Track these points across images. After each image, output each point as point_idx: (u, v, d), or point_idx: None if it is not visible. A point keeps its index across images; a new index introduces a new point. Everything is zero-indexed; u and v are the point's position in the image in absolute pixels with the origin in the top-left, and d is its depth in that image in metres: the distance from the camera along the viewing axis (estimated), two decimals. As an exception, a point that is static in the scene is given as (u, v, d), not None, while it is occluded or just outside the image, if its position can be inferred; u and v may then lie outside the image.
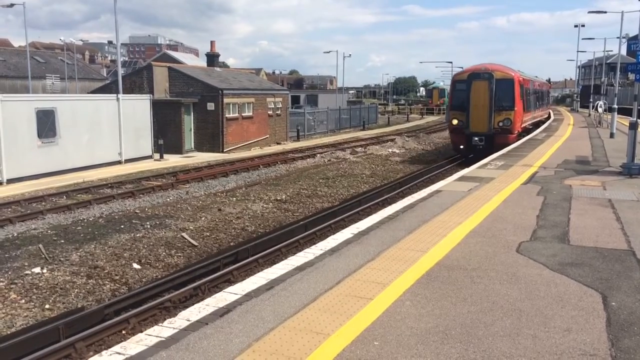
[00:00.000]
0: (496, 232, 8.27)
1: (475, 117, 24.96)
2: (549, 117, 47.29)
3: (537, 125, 36.08)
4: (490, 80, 24.77)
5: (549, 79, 77.88)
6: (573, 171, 15.21)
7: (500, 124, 24.80)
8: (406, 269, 6.57)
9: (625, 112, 44.44)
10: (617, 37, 35.53)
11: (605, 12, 39.93)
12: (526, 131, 29.47)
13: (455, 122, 25.82)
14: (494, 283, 6.14)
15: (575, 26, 59.75)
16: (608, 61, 64.95)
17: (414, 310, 5.39)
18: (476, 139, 24.97)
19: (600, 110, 40.88)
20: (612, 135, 27.57)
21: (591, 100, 54.36)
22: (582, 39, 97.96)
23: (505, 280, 6.24)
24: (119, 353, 4.46)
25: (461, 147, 25.83)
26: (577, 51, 66.90)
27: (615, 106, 30.18)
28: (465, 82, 25.52)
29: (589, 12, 42.55)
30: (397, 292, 5.83)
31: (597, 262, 6.96)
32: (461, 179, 13.57)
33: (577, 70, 78.94)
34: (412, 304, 5.55)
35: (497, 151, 20.49)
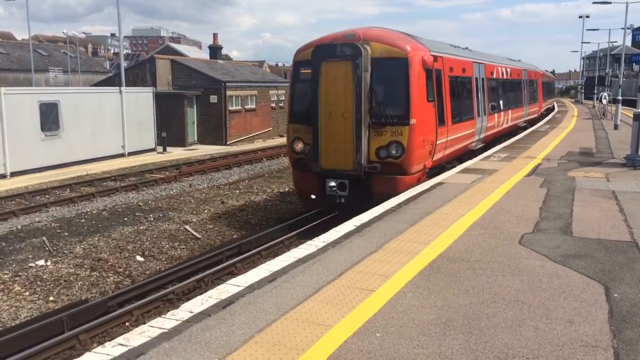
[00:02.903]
0: (499, 224, 8.26)
1: (330, 138, 12.07)
2: (541, 116, 35.69)
3: (510, 134, 23.63)
4: (356, 59, 11.59)
5: (554, 71, 77.60)
6: (577, 163, 15.15)
7: (383, 153, 12.00)
8: (408, 260, 6.57)
9: (629, 103, 44.23)
10: (622, 28, 35.30)
11: (610, 3, 39.53)
12: (462, 156, 16.36)
13: (298, 146, 12.83)
14: (497, 275, 6.13)
15: (580, 17, 59.54)
16: (612, 52, 64.55)
17: (416, 302, 5.40)
18: (332, 184, 12.31)
19: (604, 101, 40.67)
20: (616, 127, 27.42)
21: (595, 91, 54.15)
22: (587, 30, 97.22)
23: (508, 272, 6.24)
24: (122, 344, 4.48)
25: (312, 196, 12.94)
26: (582, 42, 66.54)
27: (620, 97, 30.00)
28: (310, 64, 12.25)
29: (594, 2, 42.07)
30: (400, 284, 5.83)
31: (599, 253, 6.95)
32: (464, 171, 13.53)
33: (582, 61, 78.65)
34: (414, 295, 5.55)
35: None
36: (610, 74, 57.88)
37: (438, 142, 13.21)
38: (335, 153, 12.00)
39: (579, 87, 76.05)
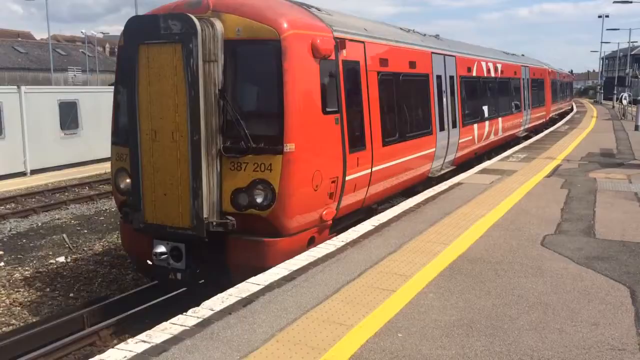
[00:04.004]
0: (520, 225, 8.17)
1: (157, 173, 7.31)
2: (552, 122, 31.35)
3: (505, 147, 19.33)
4: (189, 42, 6.89)
5: (572, 71, 76.64)
6: (597, 164, 14.96)
7: (242, 199, 7.24)
8: (428, 261, 6.52)
9: (650, 104, 43.54)
10: (643, 28, 34.68)
11: (631, 2, 38.99)
12: (412, 188, 11.61)
13: (125, 182, 7.97)
14: (519, 276, 6.06)
15: (599, 17, 58.77)
16: (633, 52, 63.73)
17: (437, 302, 5.35)
18: (162, 250, 7.43)
19: (624, 102, 40.15)
20: (637, 128, 27.04)
21: (615, 92, 53.46)
22: (606, 29, 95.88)
23: (530, 273, 6.16)
24: (145, 341, 4.50)
25: (148, 261, 7.73)
26: (601, 42, 66.06)
27: (641, 98, 29.58)
28: (127, 50, 7.51)
29: (614, 2, 41.40)
30: (420, 284, 5.79)
31: (624, 256, 6.84)
32: (483, 171, 13.42)
33: (601, 61, 77.65)
34: (435, 296, 5.50)
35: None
36: (630, 74, 57.02)
37: (350, 178, 8.32)
38: (165, 198, 7.24)
39: (598, 87, 75.14)
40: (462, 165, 14.37)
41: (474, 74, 15.82)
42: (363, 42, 9.15)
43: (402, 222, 8.38)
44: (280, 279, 5.96)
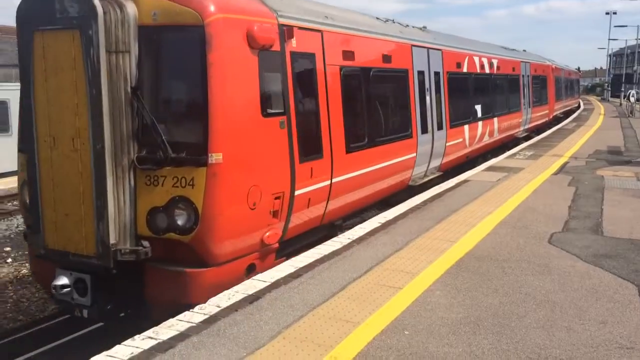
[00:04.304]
0: (527, 223, 8.13)
1: (57, 189, 6.06)
2: (555, 121, 29.64)
3: (502, 149, 18.27)
4: (89, 27, 5.61)
5: (579, 68, 76.26)
6: (605, 161, 14.88)
7: (161, 220, 5.98)
8: (435, 258, 6.50)
9: (658, 101, 43.22)
10: (652, 24, 34.46)
11: (639, -1, 38.66)
12: (388, 198, 10.31)
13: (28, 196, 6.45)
14: (526, 274, 6.04)
15: (607, 13, 58.45)
16: (641, 49, 63.23)
17: (444, 300, 5.34)
18: (64, 282, 6.10)
19: (632, 99, 39.93)
20: (645, 125, 26.89)
21: (623, 89, 53.14)
22: (614, 26, 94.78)
23: (538, 271, 6.13)
24: (151, 337, 4.52)
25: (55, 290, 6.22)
26: (609, 39, 65.45)
27: (649, 95, 29.36)
28: (22, 38, 6.14)
29: (622, -2, 41.38)
30: (427, 282, 5.77)
31: (632, 254, 6.80)
32: (489, 169, 13.37)
33: (608, 58, 77.21)
34: (442, 293, 5.49)
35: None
36: (638, 71, 56.70)
37: (300, 192, 7.10)
38: (67, 219, 6.06)
39: (606, 84, 74.76)
40: (454, 170, 13.32)
41: (465, 70, 14.39)
42: (320, 31, 7.77)
43: (409, 220, 8.37)
44: (286, 276, 5.96)
